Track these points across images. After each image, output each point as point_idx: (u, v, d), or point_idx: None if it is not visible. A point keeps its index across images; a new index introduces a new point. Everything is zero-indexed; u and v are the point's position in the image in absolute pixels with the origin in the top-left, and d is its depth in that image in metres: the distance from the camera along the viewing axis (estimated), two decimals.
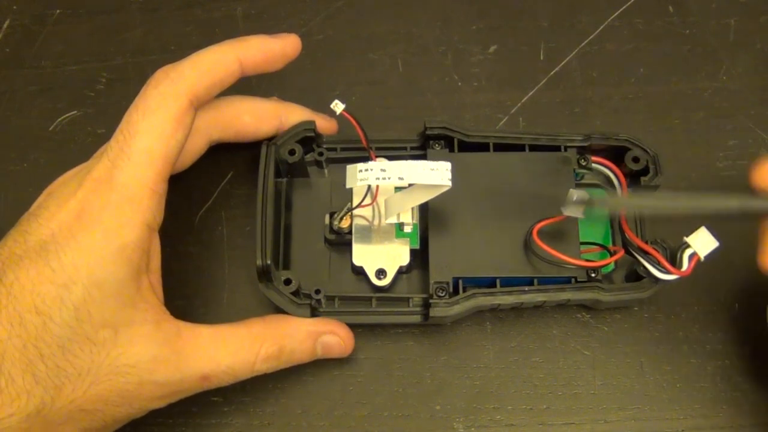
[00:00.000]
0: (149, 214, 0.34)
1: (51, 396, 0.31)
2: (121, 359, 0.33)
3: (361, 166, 0.37)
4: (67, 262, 0.32)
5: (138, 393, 0.33)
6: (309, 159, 0.43)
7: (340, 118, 0.39)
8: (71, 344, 0.31)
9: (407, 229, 0.41)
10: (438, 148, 0.42)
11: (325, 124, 0.43)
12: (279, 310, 0.40)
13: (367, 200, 0.40)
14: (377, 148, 0.42)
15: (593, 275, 0.40)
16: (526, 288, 0.40)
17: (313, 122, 0.42)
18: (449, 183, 0.36)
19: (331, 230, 0.41)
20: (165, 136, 0.35)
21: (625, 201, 0.42)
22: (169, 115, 0.35)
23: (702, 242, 0.38)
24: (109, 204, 0.33)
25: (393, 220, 0.40)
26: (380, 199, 0.41)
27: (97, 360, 0.32)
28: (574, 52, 0.48)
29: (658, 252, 0.39)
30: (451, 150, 0.42)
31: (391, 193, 0.41)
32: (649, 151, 0.41)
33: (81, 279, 0.32)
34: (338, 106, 0.38)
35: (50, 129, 0.46)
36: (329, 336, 0.39)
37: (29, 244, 0.33)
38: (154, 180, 0.34)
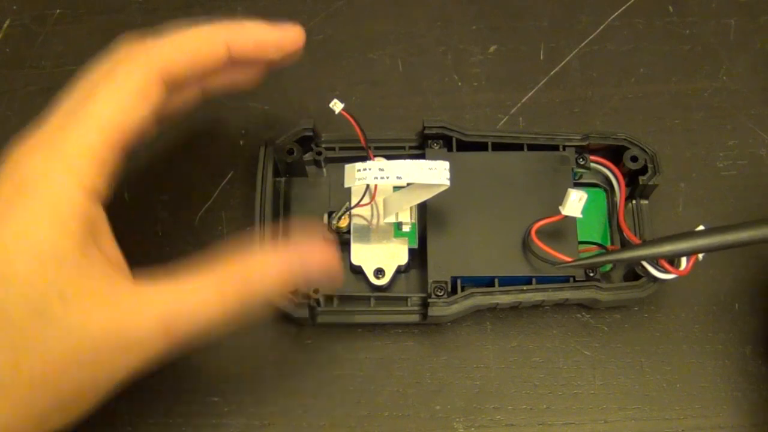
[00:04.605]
0: (91, 184, 0.31)
1: (10, 366, 0.30)
2: (73, 327, 0.30)
3: (359, 165, 0.37)
4: (8, 236, 0.30)
5: (98, 355, 0.31)
6: (308, 158, 0.43)
7: (339, 118, 0.39)
8: (21, 321, 0.30)
9: (406, 228, 0.41)
10: (436, 148, 0.42)
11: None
12: (278, 310, 0.40)
13: (366, 200, 0.40)
14: (376, 148, 0.42)
15: (591, 274, 0.40)
16: (525, 287, 0.40)
17: (312, 122, 0.42)
18: (448, 182, 0.36)
19: (330, 230, 0.41)
20: (125, 107, 0.32)
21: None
22: (134, 85, 0.33)
23: None
24: (49, 172, 0.31)
25: (391, 219, 0.40)
26: (379, 199, 0.41)
27: (49, 328, 0.30)
28: (574, 52, 0.48)
29: None
30: (450, 149, 0.42)
31: (389, 192, 0.41)
32: (647, 150, 0.41)
33: (23, 251, 0.30)
34: (337, 105, 0.38)
35: None
36: (306, 256, 0.33)
37: None
38: (103, 149, 0.32)
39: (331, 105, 0.38)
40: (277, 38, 0.36)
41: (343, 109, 0.38)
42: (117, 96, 0.33)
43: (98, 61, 0.34)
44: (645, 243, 0.38)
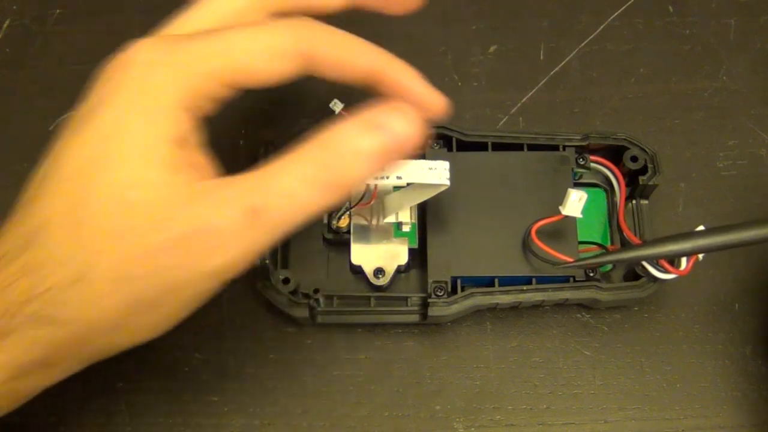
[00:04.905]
0: (192, 94, 0.31)
1: (94, 260, 0.29)
2: (159, 215, 0.29)
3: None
4: (103, 123, 0.30)
5: (184, 250, 0.29)
6: None
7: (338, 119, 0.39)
8: (107, 205, 0.29)
9: (406, 228, 0.41)
10: (436, 148, 0.42)
11: None
12: (277, 310, 0.40)
13: (366, 200, 0.40)
14: None
15: (591, 274, 0.40)
16: (525, 287, 0.40)
17: (311, 121, 0.42)
18: (448, 182, 0.36)
19: (330, 229, 0.41)
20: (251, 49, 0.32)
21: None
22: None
23: None
24: (153, 76, 0.31)
25: (391, 219, 0.40)
26: (379, 199, 0.41)
27: (135, 219, 0.29)
28: (574, 52, 0.48)
29: None
30: (450, 149, 0.42)
31: (389, 192, 0.41)
32: (647, 150, 0.41)
33: (113, 138, 0.30)
34: (337, 105, 0.38)
35: (50, 129, 0.46)
36: (387, 116, 0.31)
37: (80, 111, 0.32)
38: (215, 76, 0.32)
39: (331, 105, 0.38)
40: None
41: (343, 109, 0.38)
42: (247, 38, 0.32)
43: None
44: (645, 243, 0.38)
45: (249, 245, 0.30)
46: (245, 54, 0.32)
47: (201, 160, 0.32)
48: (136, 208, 0.29)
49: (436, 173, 0.36)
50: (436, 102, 0.35)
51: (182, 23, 0.34)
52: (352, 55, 0.34)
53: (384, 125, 0.31)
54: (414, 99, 0.35)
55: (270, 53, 0.32)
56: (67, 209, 0.30)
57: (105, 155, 0.30)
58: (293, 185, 0.30)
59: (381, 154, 0.31)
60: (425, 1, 0.38)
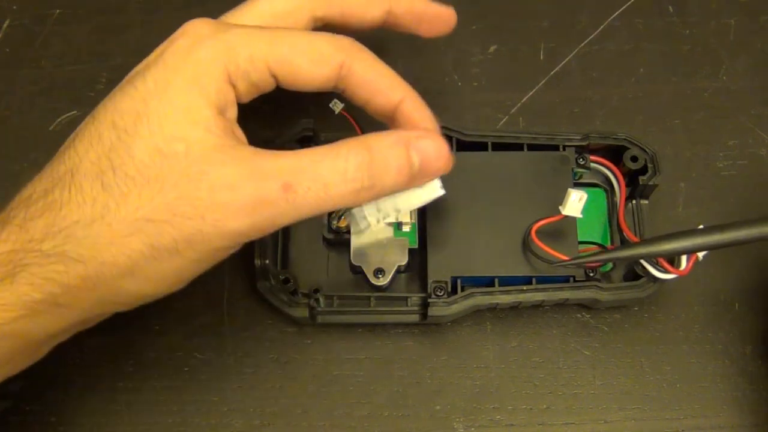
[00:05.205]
0: (236, 70, 0.33)
1: (116, 202, 0.31)
2: (191, 168, 0.31)
3: (357, 211, 0.37)
4: (149, 80, 0.32)
5: (210, 201, 0.31)
6: None
7: (339, 118, 0.39)
8: (141, 153, 0.31)
9: (406, 228, 0.41)
10: None
11: (442, 13, 0.40)
12: (277, 310, 0.40)
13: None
14: None
15: (592, 274, 0.40)
16: (525, 287, 0.40)
17: (311, 121, 0.42)
18: (442, 191, 0.36)
19: (330, 229, 0.41)
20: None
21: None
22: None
23: None
24: (204, 52, 0.33)
25: (391, 219, 0.40)
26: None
27: (166, 169, 0.31)
28: (574, 52, 0.48)
29: None
30: (450, 149, 0.42)
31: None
32: (647, 150, 0.41)
33: (157, 94, 0.32)
34: (337, 105, 0.38)
35: (50, 129, 0.47)
36: (424, 140, 0.34)
37: (135, 70, 0.34)
38: (260, 54, 0.34)
39: (331, 105, 0.38)
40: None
41: (343, 109, 0.38)
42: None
43: None
44: (645, 241, 0.38)
45: (274, 216, 0.32)
46: (290, 48, 0.34)
47: (238, 132, 0.34)
48: (172, 160, 0.31)
49: (429, 190, 0.36)
50: (443, 152, 0.35)
51: (228, 19, 0.36)
52: (384, 82, 0.36)
53: (420, 147, 0.33)
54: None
55: (312, 55, 0.34)
56: (101, 155, 0.31)
57: (148, 110, 0.31)
58: (331, 176, 0.32)
59: (415, 172, 0.34)
60: (454, 26, 0.40)
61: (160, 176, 0.31)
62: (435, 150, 0.34)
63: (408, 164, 0.33)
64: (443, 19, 0.40)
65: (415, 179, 0.34)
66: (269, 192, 0.31)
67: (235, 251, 0.34)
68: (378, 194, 0.33)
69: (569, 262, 0.39)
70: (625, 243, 0.41)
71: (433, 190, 0.36)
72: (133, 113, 0.32)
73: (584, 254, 0.40)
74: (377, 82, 0.35)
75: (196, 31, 0.33)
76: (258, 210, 0.31)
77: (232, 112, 0.34)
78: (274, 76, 0.34)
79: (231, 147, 0.32)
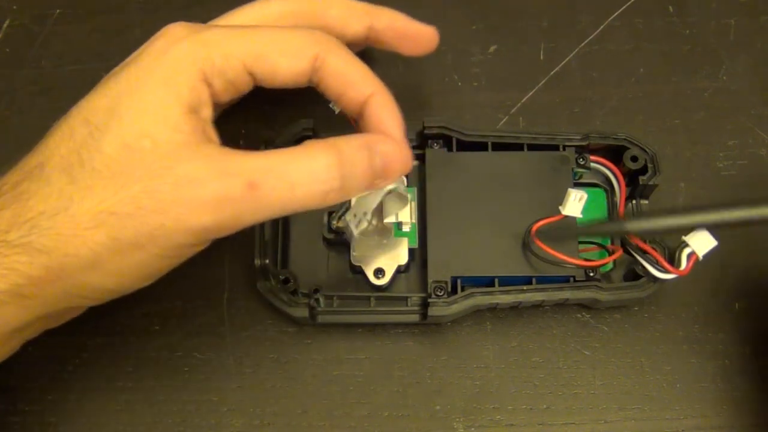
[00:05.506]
0: (210, 71, 0.34)
1: (80, 194, 0.31)
2: (157, 164, 0.31)
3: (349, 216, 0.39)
4: (123, 80, 0.33)
5: (174, 196, 0.31)
6: None
7: (339, 118, 0.39)
8: (109, 148, 0.31)
9: (406, 228, 0.41)
10: (437, 147, 0.42)
11: (423, 32, 0.42)
12: (277, 310, 0.40)
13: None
14: None
15: (592, 274, 0.40)
16: (525, 287, 0.40)
17: (311, 121, 0.42)
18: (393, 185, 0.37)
19: (330, 229, 0.41)
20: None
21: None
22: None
23: (700, 242, 0.38)
24: (177, 52, 0.34)
25: (391, 219, 0.40)
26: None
27: (132, 163, 0.31)
28: (574, 52, 0.48)
29: (656, 251, 0.39)
30: (450, 149, 0.42)
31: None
32: (647, 150, 0.41)
33: (129, 93, 0.32)
34: (336, 106, 0.38)
35: None
36: (386, 144, 0.35)
37: (112, 72, 0.35)
38: (236, 54, 0.34)
39: (330, 105, 0.38)
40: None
41: (341, 111, 0.38)
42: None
43: None
44: (646, 213, 0.38)
45: (238, 214, 0.32)
46: (264, 44, 0.34)
47: (209, 131, 0.34)
48: (138, 154, 0.31)
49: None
50: (403, 155, 0.36)
51: (219, 21, 0.38)
52: (356, 75, 0.36)
53: (382, 151, 0.34)
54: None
55: (287, 49, 0.35)
56: (72, 150, 0.32)
57: (120, 107, 0.32)
58: (299, 177, 0.32)
59: (378, 174, 0.34)
60: (437, 45, 0.42)
61: (125, 171, 0.31)
62: (396, 153, 0.35)
63: (371, 166, 0.34)
64: (425, 37, 0.41)
65: (378, 181, 0.35)
66: (233, 189, 0.31)
67: (202, 249, 0.34)
68: (345, 196, 0.34)
69: (570, 263, 0.39)
70: (626, 244, 0.41)
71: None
72: (105, 110, 0.32)
73: (585, 257, 0.40)
74: (350, 75, 0.36)
75: (172, 33, 0.34)
76: (221, 207, 0.31)
77: (207, 111, 0.34)
78: (251, 74, 0.35)
79: (198, 144, 0.32)
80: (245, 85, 0.35)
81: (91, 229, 0.31)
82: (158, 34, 0.34)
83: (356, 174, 0.33)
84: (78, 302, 0.35)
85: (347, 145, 0.33)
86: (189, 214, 0.31)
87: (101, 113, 0.32)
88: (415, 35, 0.41)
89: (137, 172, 0.31)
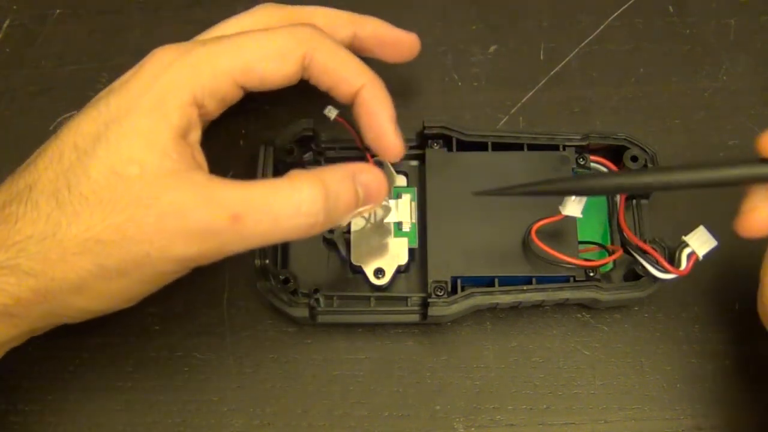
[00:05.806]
0: (201, 94, 0.34)
1: (68, 220, 0.31)
2: (143, 192, 0.32)
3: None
4: (112, 105, 0.33)
5: (159, 227, 0.31)
6: (307, 158, 0.43)
7: (336, 123, 0.39)
8: (96, 173, 0.32)
9: (406, 228, 0.41)
10: (436, 148, 0.42)
11: (405, 39, 0.42)
12: (277, 310, 0.40)
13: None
14: None
15: (592, 274, 0.40)
16: (525, 287, 0.40)
17: (311, 121, 0.42)
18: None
19: (330, 230, 0.41)
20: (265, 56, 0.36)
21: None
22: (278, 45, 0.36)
23: (700, 241, 0.38)
24: (169, 78, 0.34)
25: (391, 219, 0.41)
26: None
27: (119, 191, 0.32)
28: (574, 52, 0.48)
29: (656, 251, 0.39)
30: (450, 149, 0.42)
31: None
32: (647, 150, 0.41)
33: (118, 119, 0.33)
34: (332, 112, 0.39)
35: (50, 129, 0.46)
36: (365, 174, 0.35)
37: (100, 95, 0.35)
38: (227, 76, 0.35)
39: (325, 112, 0.39)
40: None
41: (338, 115, 0.38)
42: (258, 44, 0.36)
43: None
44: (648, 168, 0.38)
45: (221, 245, 0.33)
46: (252, 54, 0.35)
47: (197, 156, 0.34)
48: (126, 182, 0.32)
49: None
50: (395, 146, 0.38)
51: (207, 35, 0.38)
52: (346, 68, 0.37)
53: (363, 181, 0.35)
54: (379, 134, 0.38)
55: (274, 54, 0.35)
56: (59, 174, 0.32)
57: (108, 132, 0.32)
58: (284, 209, 0.32)
59: (360, 203, 0.35)
60: (418, 51, 0.43)
61: (113, 198, 0.32)
62: (375, 182, 0.36)
63: (355, 197, 0.35)
64: (407, 45, 0.42)
65: (358, 210, 0.36)
66: (217, 222, 0.32)
67: (185, 274, 0.35)
68: (330, 226, 0.35)
69: (570, 263, 0.39)
70: (626, 244, 0.41)
71: None
72: (93, 135, 0.33)
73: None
74: (339, 69, 0.37)
75: (161, 58, 0.34)
76: (205, 238, 0.32)
77: (195, 134, 0.35)
78: (241, 86, 0.35)
79: (186, 171, 0.32)
80: (236, 97, 0.36)
81: (77, 255, 0.32)
82: (146, 58, 0.35)
83: (340, 206, 0.34)
84: (62, 321, 0.36)
85: (332, 177, 0.34)
86: (173, 245, 0.32)
87: (90, 138, 0.33)
88: (397, 42, 0.42)
89: (123, 199, 0.31)
